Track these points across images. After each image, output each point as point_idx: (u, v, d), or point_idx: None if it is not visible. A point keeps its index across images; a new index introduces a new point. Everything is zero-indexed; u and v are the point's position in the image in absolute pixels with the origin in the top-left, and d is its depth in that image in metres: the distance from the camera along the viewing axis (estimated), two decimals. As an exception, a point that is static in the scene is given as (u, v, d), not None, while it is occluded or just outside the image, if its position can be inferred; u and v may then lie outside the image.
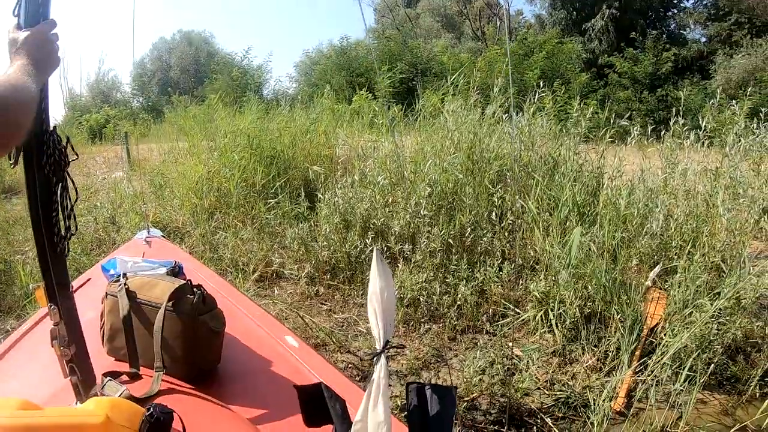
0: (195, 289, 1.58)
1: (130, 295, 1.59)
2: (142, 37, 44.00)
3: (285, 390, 1.58)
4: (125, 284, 1.61)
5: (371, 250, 4.12)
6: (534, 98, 5.20)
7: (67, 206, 1.26)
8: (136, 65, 32.20)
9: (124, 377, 1.49)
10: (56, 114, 25.53)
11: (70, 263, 4.33)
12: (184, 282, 1.60)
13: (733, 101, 5.11)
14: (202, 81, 25.49)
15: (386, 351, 1.00)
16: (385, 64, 15.10)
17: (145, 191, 7.16)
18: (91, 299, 1.82)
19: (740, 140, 4.44)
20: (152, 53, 33.37)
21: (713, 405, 3.05)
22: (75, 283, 2.24)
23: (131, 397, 1.34)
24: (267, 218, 5.11)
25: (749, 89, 6.17)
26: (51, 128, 1.19)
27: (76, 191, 1.30)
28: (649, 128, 5.12)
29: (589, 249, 3.69)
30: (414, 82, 14.80)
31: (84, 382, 1.33)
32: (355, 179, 4.87)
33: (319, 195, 4.90)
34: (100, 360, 1.57)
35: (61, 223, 1.25)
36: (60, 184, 1.23)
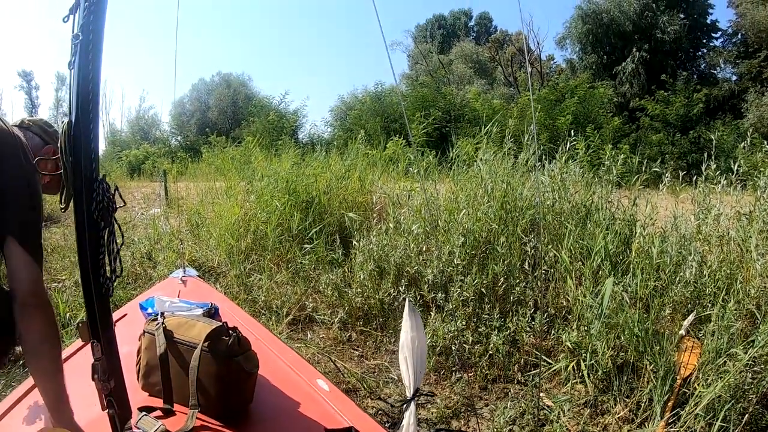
0: (231, 331, 1.68)
1: (167, 334, 1.70)
2: (183, 77, 45.40)
3: (314, 430, 1.65)
4: (163, 323, 1.73)
5: (404, 299, 4.20)
6: (566, 146, 5.25)
7: (113, 249, 1.34)
8: (176, 104, 33.20)
9: (158, 412, 1.60)
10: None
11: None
12: (221, 324, 1.70)
13: (766, 141, 5.07)
14: (239, 122, 26.14)
15: (416, 398, 1.08)
16: (419, 110, 15.32)
17: (182, 229, 7.36)
18: (127, 334, 1.90)
19: None
20: (192, 94, 34.38)
21: None
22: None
23: None
24: (302, 263, 5.21)
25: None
26: (101, 176, 1.29)
27: (123, 236, 1.39)
28: (681, 173, 5.11)
29: (622, 298, 3.70)
30: (447, 129, 14.95)
31: (120, 416, 1.41)
32: (389, 227, 4.98)
33: (354, 242, 4.99)
34: (135, 395, 1.66)
35: (107, 265, 1.33)
36: (107, 228, 1.31)
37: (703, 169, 4.69)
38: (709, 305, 3.88)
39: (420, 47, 31.86)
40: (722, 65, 22.30)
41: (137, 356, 1.78)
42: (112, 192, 1.33)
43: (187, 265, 3.26)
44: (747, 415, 2.98)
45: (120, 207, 1.35)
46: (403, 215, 5.10)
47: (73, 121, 1.23)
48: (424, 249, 4.74)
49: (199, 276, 3.20)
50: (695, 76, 20.70)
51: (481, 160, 5.28)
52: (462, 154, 5.84)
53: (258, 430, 1.63)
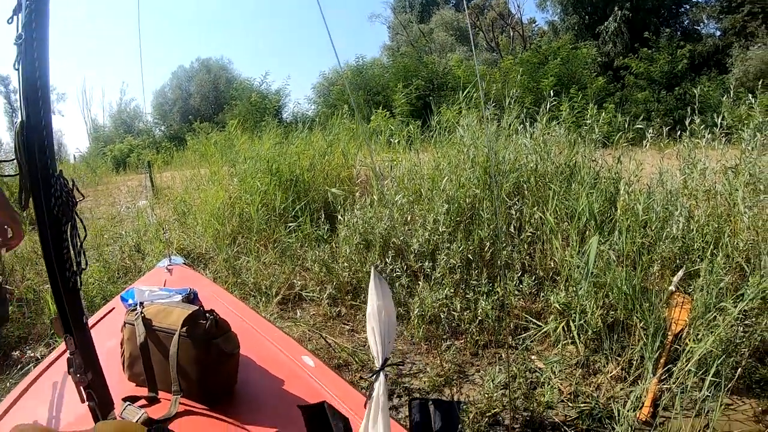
0: (207, 314, 1.66)
1: (146, 322, 1.69)
2: (162, 65, 44.85)
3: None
4: (142, 313, 1.71)
5: (392, 270, 4.18)
6: (547, 107, 5.18)
7: (77, 243, 1.34)
8: (157, 94, 32.83)
9: (143, 401, 1.59)
10: (81, 146, 26.24)
11: (97, 292, 4.47)
12: (197, 308, 1.69)
13: (753, 94, 5.04)
14: (222, 107, 25.89)
15: (385, 369, 1.05)
16: (402, 81, 15.18)
17: (169, 219, 7.31)
18: (114, 328, 1.92)
19: (756, 135, 4.37)
20: (172, 81, 33.94)
21: (742, 410, 2.99)
22: (99, 313, 2.39)
23: (149, 420, 1.44)
24: (288, 242, 5.18)
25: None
26: (57, 172, 1.29)
27: (85, 229, 1.39)
28: (666, 129, 5.08)
29: (609, 257, 3.68)
30: (430, 98, 14.86)
31: (102, 407, 1.41)
32: (373, 199, 4.93)
33: (339, 217, 4.96)
34: (122, 386, 1.68)
35: (73, 259, 1.33)
36: (69, 223, 1.31)
37: (687, 124, 4.67)
38: (698, 260, 3.86)
39: (400, 18, 31.48)
40: (705, 21, 22.22)
41: (121, 348, 1.77)
42: (70, 186, 1.32)
43: (173, 253, 3.21)
44: (740, 369, 2.96)
45: (79, 201, 1.36)
46: (386, 186, 5.04)
47: (24, 120, 1.23)
48: (408, 219, 4.70)
49: (185, 263, 3.15)
50: (679, 33, 20.58)
51: (462, 126, 5.22)
52: (444, 121, 5.77)
53: (242, 411, 1.62)
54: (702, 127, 4.64)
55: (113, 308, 2.44)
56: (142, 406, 1.55)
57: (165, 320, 1.68)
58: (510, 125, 5.28)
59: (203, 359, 1.61)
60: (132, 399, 1.56)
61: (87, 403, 1.38)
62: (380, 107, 10.56)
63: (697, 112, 4.66)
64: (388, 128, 7.20)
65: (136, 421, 1.43)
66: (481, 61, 22.32)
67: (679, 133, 4.88)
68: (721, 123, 4.55)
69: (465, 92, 5.75)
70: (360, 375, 3.36)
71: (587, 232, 4.16)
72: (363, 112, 12.22)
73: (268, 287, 4.55)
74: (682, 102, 15.85)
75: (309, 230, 5.25)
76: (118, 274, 5.20)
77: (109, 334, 1.98)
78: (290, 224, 5.41)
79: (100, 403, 1.40)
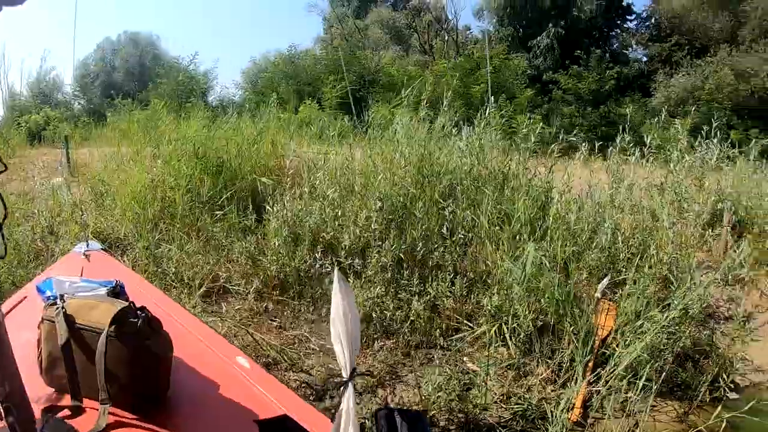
0: (138, 311, 1.47)
1: (69, 319, 1.45)
2: (87, 36, 42.49)
3: (239, 416, 1.50)
4: (63, 308, 1.47)
5: (322, 266, 4.06)
6: (487, 112, 5.21)
7: None
8: (79, 66, 31.03)
9: (66, 411, 1.36)
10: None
11: (5, 276, 4.07)
12: (126, 304, 1.48)
13: (675, 119, 5.31)
14: (146, 85, 24.73)
15: (353, 379, 0.94)
16: (333, 74, 15.04)
17: (85, 199, 6.84)
18: (27, 321, 1.66)
19: (684, 156, 4.60)
20: (96, 54, 32.16)
21: (667, 411, 3.19)
22: (9, 303, 2.09)
23: None
24: (213, 231, 4.93)
25: (689, 108, 6.46)
26: None
27: (5, 206, 1.17)
28: (596, 144, 5.25)
29: (541, 263, 3.72)
30: (361, 93, 14.79)
31: (22, 423, 1.17)
32: (304, 191, 4.78)
33: (268, 207, 4.77)
34: (39, 391, 1.45)
35: None
36: None
37: (617, 141, 4.85)
38: (624, 270, 4.04)
39: (336, 11, 31.23)
40: (634, 46, 23.34)
41: (38, 348, 1.51)
42: None
43: (90, 237, 2.93)
44: (664, 373, 3.14)
45: (1, 172, 1.13)
46: (318, 179, 4.89)
47: None
48: (339, 214, 4.58)
49: (103, 249, 2.89)
50: (608, 55, 21.43)
51: (398, 123, 5.17)
52: (378, 118, 5.69)
53: (177, 419, 1.45)
54: (631, 145, 4.83)
55: (25, 297, 2.17)
56: (65, 418, 1.34)
57: (90, 317, 1.46)
58: (444, 127, 5.27)
59: (135, 362, 1.41)
60: (53, 410, 1.34)
61: (2, 421, 1.15)
62: (310, 99, 10.36)
63: (623, 131, 4.84)
64: (319, 120, 7.06)
65: None
66: (413, 62, 22.44)
67: (608, 149, 5.07)
68: (650, 143, 4.76)
69: (408, 91, 5.67)
70: (289, 375, 3.23)
71: (519, 238, 4.19)
72: (292, 102, 11.98)
73: (191, 278, 4.27)
74: (605, 119, 16.52)
75: (235, 220, 5.02)
76: (29, 257, 4.78)
77: (21, 328, 1.70)
78: (216, 213, 5.15)
79: (19, 419, 1.15)
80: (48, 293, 2.01)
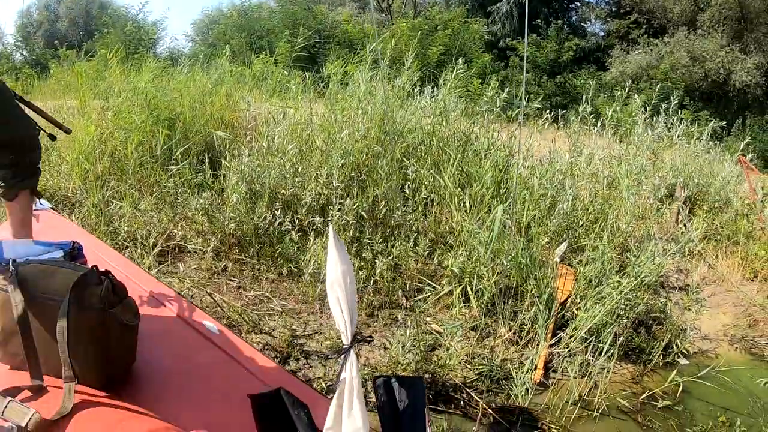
0: (102, 277, 1.30)
1: (24, 288, 1.28)
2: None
3: (215, 385, 1.41)
4: (16, 274, 1.29)
5: (281, 223, 3.94)
6: (454, 73, 5.16)
7: None
8: (21, 14, 29.27)
9: (26, 392, 1.21)
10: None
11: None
12: (88, 268, 1.32)
13: (631, 94, 5.45)
14: (92, 35, 23.59)
15: (355, 345, 0.87)
16: (288, 28, 14.65)
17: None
18: None
19: (646, 131, 4.73)
20: (39, 1, 30.44)
21: (623, 374, 3.29)
22: None
23: (42, 422, 1.09)
24: (167, 186, 4.71)
25: (644, 84, 6.62)
26: None
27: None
28: (551, 113, 5.32)
29: (505, 226, 3.71)
30: (317, 49, 14.44)
31: None
32: (263, 146, 4.61)
33: (224, 162, 4.58)
34: None
35: None
36: None
37: (580, 110, 4.90)
38: (583, 237, 4.16)
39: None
40: (593, 20, 23.52)
41: None
42: None
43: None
44: (621, 338, 3.24)
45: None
46: (278, 134, 4.71)
47: None
48: (299, 170, 4.44)
49: (52, 208, 2.71)
50: (566, 26, 21.54)
51: (358, 79, 5.04)
52: (338, 73, 5.52)
53: (147, 394, 1.31)
54: (593, 116, 4.91)
55: None
56: (26, 399, 1.18)
57: (47, 285, 1.28)
58: (404, 86, 5.19)
59: (100, 335, 1.26)
60: (11, 392, 1.18)
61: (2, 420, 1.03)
62: (263, 52, 10.02)
63: (585, 101, 4.89)
64: (277, 75, 6.84)
65: (26, 424, 1.07)
66: (370, 20, 22.08)
67: (566, 119, 5.14)
68: (611, 115, 4.86)
69: (370, 47, 5.52)
70: (251, 337, 3.13)
71: (481, 200, 4.18)
72: (245, 55, 11.56)
73: (145, 237, 4.05)
74: (561, 89, 16.68)
75: (190, 175, 4.81)
76: (-31, 216, 4.47)
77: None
78: (170, 167, 4.92)
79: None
80: (-4, 257, 1.79)
